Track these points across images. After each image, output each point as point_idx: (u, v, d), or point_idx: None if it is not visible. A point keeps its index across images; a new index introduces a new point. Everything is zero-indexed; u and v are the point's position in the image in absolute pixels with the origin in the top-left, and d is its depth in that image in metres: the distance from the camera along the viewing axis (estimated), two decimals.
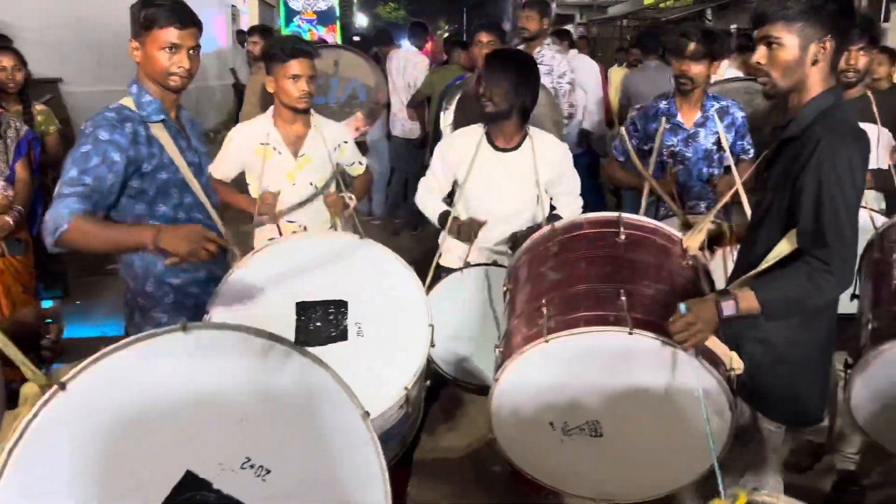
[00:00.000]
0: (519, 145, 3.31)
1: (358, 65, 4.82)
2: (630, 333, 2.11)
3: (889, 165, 3.43)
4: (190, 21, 2.51)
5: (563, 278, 2.46)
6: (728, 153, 3.58)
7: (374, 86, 4.83)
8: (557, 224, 2.72)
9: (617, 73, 8.06)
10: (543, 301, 2.38)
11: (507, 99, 3.16)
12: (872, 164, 3.19)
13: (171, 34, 2.47)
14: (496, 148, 3.31)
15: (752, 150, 3.80)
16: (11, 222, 3.87)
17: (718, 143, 3.64)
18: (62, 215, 2.31)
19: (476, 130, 3.37)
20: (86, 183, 2.38)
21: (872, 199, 3.50)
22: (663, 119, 3.63)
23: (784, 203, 2.21)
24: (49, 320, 1.95)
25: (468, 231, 3.25)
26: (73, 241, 2.34)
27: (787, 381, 2.38)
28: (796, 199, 2.14)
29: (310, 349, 1.74)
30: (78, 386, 1.40)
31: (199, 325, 1.54)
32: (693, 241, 2.54)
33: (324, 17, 19.44)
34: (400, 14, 41.77)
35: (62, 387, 1.38)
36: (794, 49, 2.15)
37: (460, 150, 3.35)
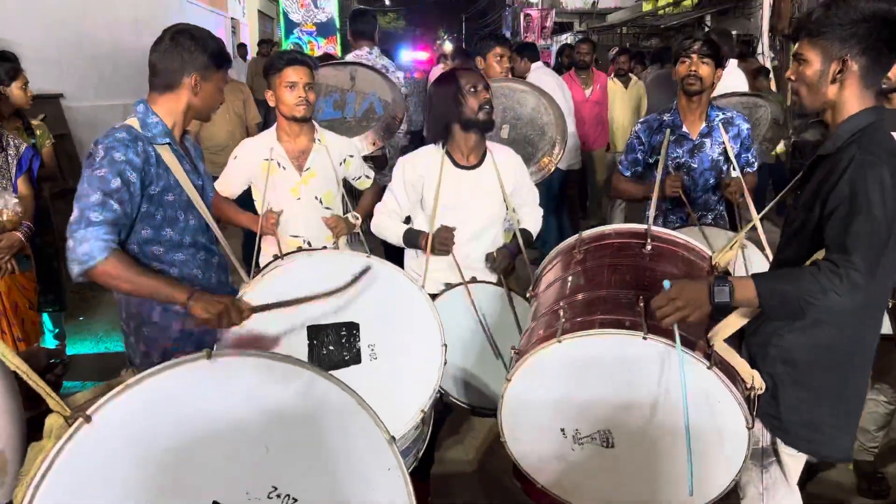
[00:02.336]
0: (481, 161, 3.28)
1: (375, 80, 4.78)
2: (644, 338, 2.09)
3: None
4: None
5: (584, 283, 2.45)
6: (734, 164, 3.57)
7: (392, 101, 4.79)
8: (585, 233, 2.72)
9: (615, 88, 7.84)
10: (562, 304, 2.36)
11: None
12: None
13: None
14: (458, 166, 3.26)
15: (756, 163, 3.81)
16: (22, 238, 3.87)
17: (724, 153, 3.63)
18: (96, 248, 2.27)
19: (435, 150, 3.29)
20: (114, 208, 2.35)
21: None
22: (668, 130, 3.61)
23: (813, 222, 2.16)
24: (55, 360, 1.94)
25: (444, 239, 3.16)
26: (101, 277, 2.31)
27: (808, 406, 2.27)
28: (826, 218, 2.09)
29: None
30: (103, 418, 1.39)
31: (223, 352, 1.53)
32: (723, 258, 2.51)
33: (323, 29, 19.49)
34: (399, 24, 41.91)
35: (88, 419, 1.37)
36: (816, 66, 2.15)
37: (422, 171, 3.27)
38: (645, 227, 2.62)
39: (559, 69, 7.96)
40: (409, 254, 3.41)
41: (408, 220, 3.42)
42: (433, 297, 3.11)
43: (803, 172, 2.35)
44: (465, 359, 3.11)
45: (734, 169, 3.58)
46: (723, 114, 3.71)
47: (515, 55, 6.44)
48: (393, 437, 1.66)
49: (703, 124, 3.65)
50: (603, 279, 2.44)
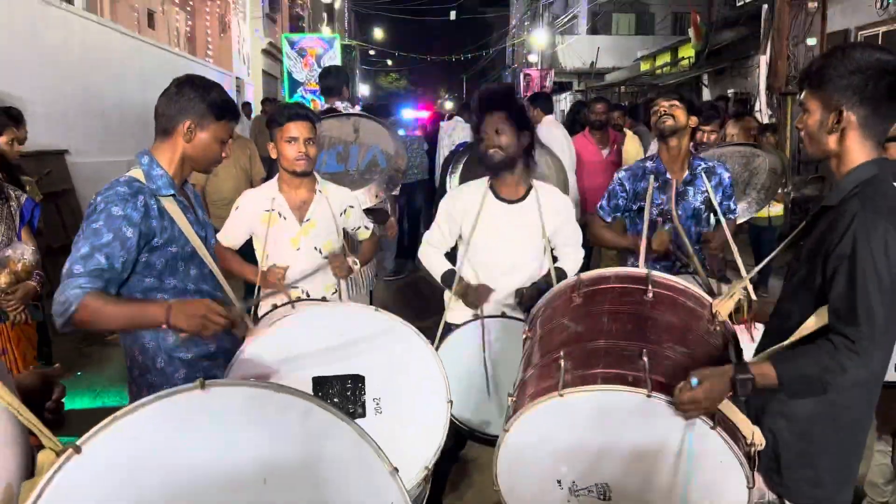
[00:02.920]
0: (524, 196, 3.32)
1: (377, 132, 4.81)
2: (648, 396, 2.05)
3: None
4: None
5: (585, 331, 2.40)
6: (718, 211, 3.61)
7: (394, 153, 4.79)
8: (584, 275, 2.68)
9: (633, 145, 7.23)
10: (562, 353, 2.31)
11: (512, 141, 3.19)
12: None
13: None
14: (501, 200, 3.31)
15: (736, 211, 3.85)
16: (38, 287, 3.86)
17: (706, 202, 3.66)
18: (73, 295, 2.28)
19: (481, 184, 3.37)
20: (98, 262, 2.36)
21: None
22: (651, 177, 3.64)
23: (816, 275, 2.14)
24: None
25: (475, 298, 3.24)
26: (85, 321, 2.31)
27: (808, 460, 2.24)
28: (830, 277, 2.07)
29: None
30: (93, 448, 1.36)
31: (217, 382, 1.50)
32: (724, 307, 2.47)
33: None
34: (401, 84, 42.61)
35: (77, 449, 1.34)
36: (816, 115, 2.15)
37: (465, 203, 3.35)
38: (645, 271, 2.59)
39: (572, 127, 7.80)
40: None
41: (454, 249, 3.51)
42: (458, 326, 3.25)
43: (806, 223, 2.32)
44: (472, 387, 3.16)
45: (718, 217, 3.62)
46: (705, 163, 3.75)
47: (529, 103, 6.47)
48: (396, 469, 1.63)
49: (687, 172, 3.69)
50: (603, 327, 2.39)
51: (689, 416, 2.05)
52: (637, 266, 3.27)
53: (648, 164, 3.74)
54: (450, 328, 3.30)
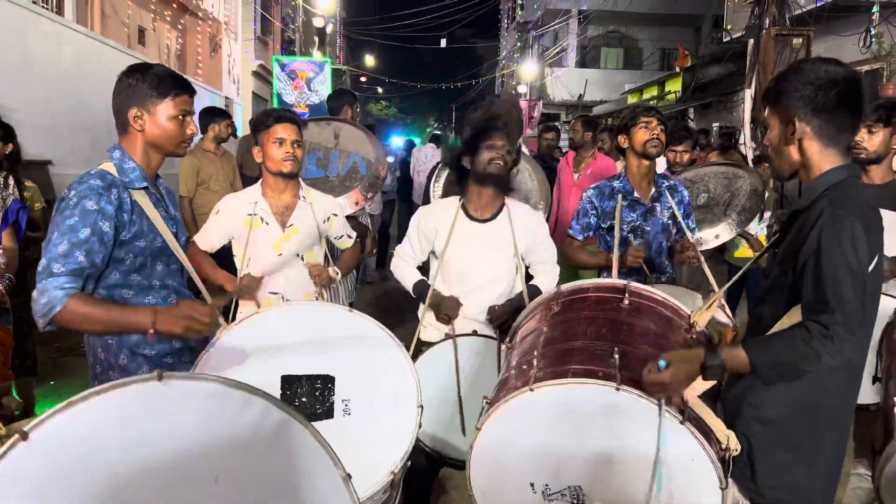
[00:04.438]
0: (496, 215, 3.33)
1: (358, 138, 4.81)
2: (617, 389, 2.03)
3: None
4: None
5: (560, 335, 2.40)
6: (683, 226, 3.69)
7: (375, 160, 4.80)
8: (563, 287, 2.69)
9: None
10: (535, 353, 2.31)
11: (510, 158, 3.25)
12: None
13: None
14: (472, 218, 3.32)
15: (696, 229, 4.00)
16: (4, 291, 3.80)
17: (672, 217, 3.75)
18: (56, 297, 2.25)
19: (452, 202, 3.39)
20: (78, 260, 2.31)
21: (893, 285, 3.43)
22: (620, 196, 3.69)
23: (788, 276, 2.16)
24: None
25: (447, 311, 3.23)
26: (67, 322, 2.29)
27: (784, 468, 2.23)
28: (800, 274, 2.09)
29: None
30: (41, 435, 1.31)
31: (175, 374, 1.45)
32: (702, 318, 2.47)
33: (316, 111, 19.79)
34: (391, 111, 42.79)
35: (24, 436, 1.29)
36: (775, 129, 2.24)
37: (436, 221, 3.36)
38: (624, 282, 2.59)
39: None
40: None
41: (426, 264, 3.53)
42: (430, 344, 3.21)
43: (780, 229, 2.36)
44: (445, 410, 3.10)
45: (687, 231, 3.69)
46: (667, 181, 3.85)
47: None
48: (348, 475, 1.58)
49: (653, 190, 3.77)
50: (578, 331, 2.39)
51: (656, 397, 2.04)
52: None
53: (616, 183, 3.80)
54: (422, 346, 3.27)
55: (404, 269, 3.49)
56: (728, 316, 3.11)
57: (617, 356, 2.15)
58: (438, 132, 21.86)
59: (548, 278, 3.42)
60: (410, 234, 3.46)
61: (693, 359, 2.10)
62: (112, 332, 2.45)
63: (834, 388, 2.20)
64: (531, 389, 2.11)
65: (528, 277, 3.43)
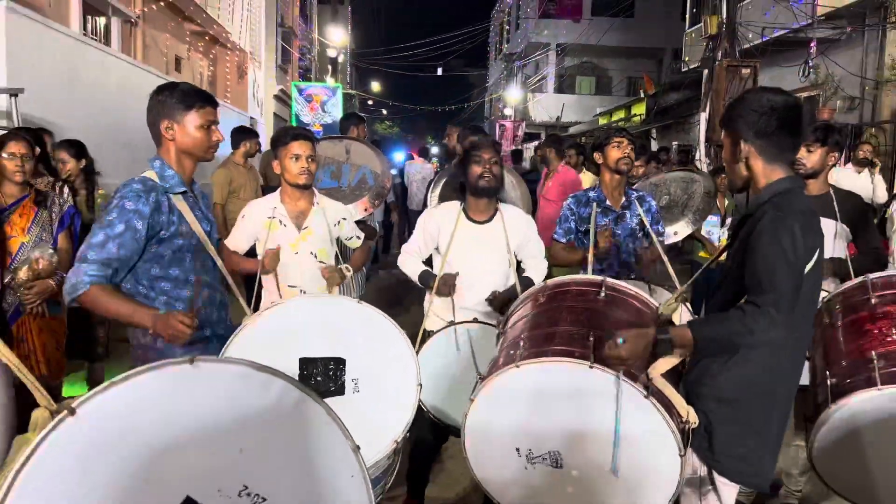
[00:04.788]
0: (491, 218, 3.40)
1: (366, 153, 4.85)
2: (590, 367, 2.06)
3: (846, 256, 3.39)
4: None
5: (544, 321, 2.42)
6: (650, 231, 3.71)
7: (381, 172, 4.83)
8: (549, 281, 2.73)
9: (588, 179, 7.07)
10: (522, 337, 2.34)
11: (500, 177, 3.34)
12: (831, 255, 3.23)
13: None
14: (472, 220, 3.39)
15: (664, 232, 4.00)
16: (55, 286, 3.77)
17: (640, 224, 3.78)
18: (82, 281, 2.29)
19: (454, 205, 3.46)
20: (110, 251, 2.34)
21: (829, 284, 3.44)
22: (594, 204, 3.73)
23: (737, 270, 2.18)
24: None
25: (446, 285, 3.27)
26: (87, 304, 2.34)
27: (738, 439, 2.23)
28: (745, 268, 2.11)
29: None
30: (87, 411, 1.29)
31: (206, 358, 1.44)
32: (668, 309, 2.48)
33: (329, 130, 19.75)
34: (394, 130, 42.73)
35: (72, 412, 1.27)
36: (728, 148, 2.28)
37: (440, 221, 3.43)
38: (601, 278, 2.61)
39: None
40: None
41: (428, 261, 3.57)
42: (434, 332, 3.23)
43: (732, 232, 2.38)
44: (450, 387, 3.11)
45: (651, 236, 3.70)
46: (636, 192, 3.89)
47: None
48: (357, 447, 1.57)
49: (623, 199, 3.80)
50: (560, 318, 2.42)
51: (615, 369, 2.08)
52: (586, 272, 3.37)
53: (591, 193, 3.84)
54: (428, 334, 3.29)
55: (410, 264, 3.51)
56: (689, 312, 3.10)
57: (592, 339, 2.17)
58: (427, 146, 22.03)
59: (537, 270, 3.48)
60: (417, 234, 3.52)
61: (646, 334, 2.14)
62: (120, 321, 2.47)
63: (780, 370, 2.22)
64: (517, 366, 2.14)
65: (521, 271, 3.48)
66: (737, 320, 2.04)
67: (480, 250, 3.36)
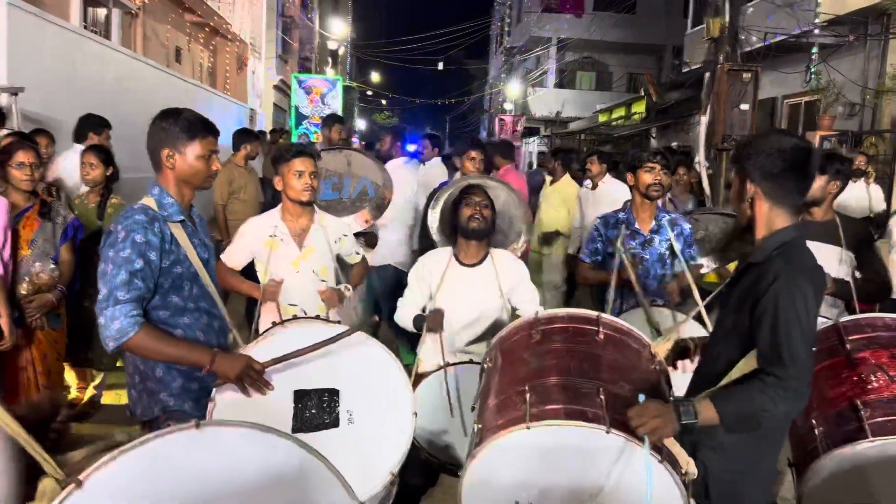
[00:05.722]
0: (482, 261, 3.40)
1: (367, 165, 4.83)
2: (607, 432, 1.99)
3: (849, 280, 3.39)
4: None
5: (546, 367, 2.32)
6: (681, 257, 3.61)
7: (382, 183, 4.80)
8: (540, 314, 2.62)
9: (572, 189, 6.65)
10: (526, 388, 2.22)
11: (491, 220, 3.34)
12: (835, 276, 3.24)
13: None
14: (462, 264, 3.39)
15: (699, 257, 3.86)
16: (55, 300, 3.76)
17: (670, 248, 3.67)
18: (127, 324, 2.24)
19: (445, 251, 3.47)
20: (138, 286, 2.31)
21: (829, 311, 3.45)
22: (622, 226, 3.65)
23: (743, 324, 2.14)
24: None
25: (434, 322, 3.22)
26: (133, 348, 2.30)
27: (733, 486, 2.24)
28: (756, 324, 2.08)
29: (307, 435, 1.62)
30: (94, 483, 1.28)
31: (210, 422, 1.43)
32: (661, 348, 2.46)
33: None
34: (393, 120, 42.58)
35: (79, 484, 1.26)
36: (736, 186, 2.27)
37: (432, 267, 3.44)
38: (596, 314, 2.53)
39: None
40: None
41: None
42: (429, 373, 3.19)
43: (732, 277, 2.35)
44: (441, 426, 3.10)
45: (679, 262, 3.61)
46: (669, 215, 3.77)
47: (492, 149, 6.47)
48: (362, 503, 1.56)
49: (653, 223, 3.71)
50: (563, 364, 2.32)
51: (642, 431, 1.99)
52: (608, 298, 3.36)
53: (621, 214, 3.78)
54: (420, 377, 3.23)
55: (405, 315, 3.48)
56: (706, 324, 3.06)
57: (602, 397, 2.10)
58: (437, 133, 21.78)
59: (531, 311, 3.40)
60: (411, 284, 3.51)
61: (668, 411, 2.04)
62: (172, 362, 2.44)
63: (775, 418, 2.18)
64: (528, 427, 2.05)
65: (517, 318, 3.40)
66: (760, 393, 2.00)
67: (471, 293, 3.35)
